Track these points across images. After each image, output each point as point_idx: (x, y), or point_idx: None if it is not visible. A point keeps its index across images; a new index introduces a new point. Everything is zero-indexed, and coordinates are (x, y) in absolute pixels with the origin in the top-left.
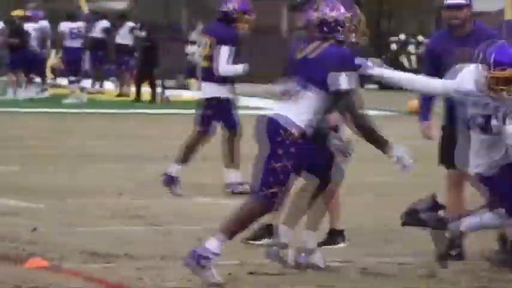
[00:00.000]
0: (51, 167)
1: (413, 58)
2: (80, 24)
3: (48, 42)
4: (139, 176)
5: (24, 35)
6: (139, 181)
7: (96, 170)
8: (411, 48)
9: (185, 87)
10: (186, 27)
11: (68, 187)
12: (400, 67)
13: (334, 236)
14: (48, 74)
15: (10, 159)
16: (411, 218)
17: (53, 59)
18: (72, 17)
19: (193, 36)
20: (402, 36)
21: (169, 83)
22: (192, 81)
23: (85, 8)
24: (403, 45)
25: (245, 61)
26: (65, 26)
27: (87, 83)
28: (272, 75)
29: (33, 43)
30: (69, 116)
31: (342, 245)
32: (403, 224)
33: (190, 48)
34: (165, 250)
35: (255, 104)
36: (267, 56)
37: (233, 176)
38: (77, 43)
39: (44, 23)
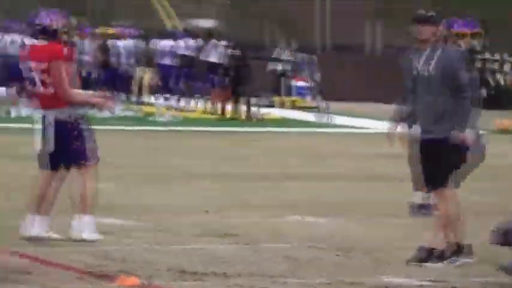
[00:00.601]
0: (143, 185)
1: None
2: (171, 42)
3: (136, 60)
4: (229, 195)
5: (109, 52)
6: (229, 200)
7: (187, 188)
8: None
9: (272, 105)
10: (270, 44)
11: (160, 205)
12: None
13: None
14: (144, 92)
15: (104, 177)
16: (499, 237)
17: (148, 76)
18: (164, 35)
19: (280, 54)
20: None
21: (258, 100)
22: (277, 99)
23: (169, 25)
24: (500, 64)
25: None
26: (158, 44)
27: (175, 100)
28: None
29: (123, 60)
30: (160, 133)
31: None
32: (492, 243)
33: (273, 66)
34: (254, 268)
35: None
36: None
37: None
38: (168, 60)
39: (132, 41)
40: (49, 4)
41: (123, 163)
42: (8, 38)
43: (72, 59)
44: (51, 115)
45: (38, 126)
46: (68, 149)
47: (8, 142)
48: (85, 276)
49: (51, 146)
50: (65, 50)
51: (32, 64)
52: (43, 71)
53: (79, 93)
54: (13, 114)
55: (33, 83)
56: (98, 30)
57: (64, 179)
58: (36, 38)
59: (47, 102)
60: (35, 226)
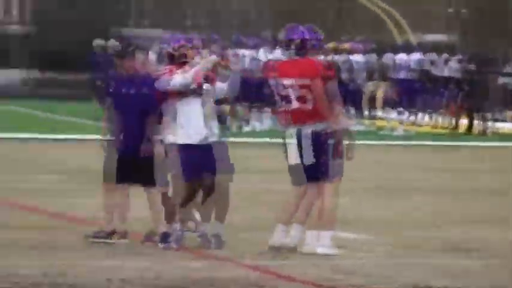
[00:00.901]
0: (375, 198)
1: None
2: (405, 55)
3: (368, 74)
4: (462, 210)
5: (340, 67)
6: (466, 214)
7: (417, 202)
8: None
9: (505, 119)
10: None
11: (393, 219)
12: None
13: None
14: (377, 106)
15: (339, 192)
16: None
17: (382, 90)
18: (396, 49)
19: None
20: None
21: (491, 115)
22: (510, 114)
23: (400, 39)
24: None
25: None
26: (392, 58)
27: (407, 114)
28: None
29: (354, 75)
30: (392, 147)
31: None
32: None
33: (504, 80)
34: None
35: None
36: None
37: None
38: (403, 74)
39: (362, 56)
40: (281, 18)
41: (356, 177)
42: (241, 52)
43: (332, 75)
44: (308, 129)
45: (292, 140)
46: (320, 162)
47: (242, 156)
48: None
49: (310, 159)
50: (324, 66)
51: (286, 81)
52: (302, 87)
53: (336, 109)
54: (245, 129)
55: (286, 99)
56: (330, 45)
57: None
58: (287, 54)
59: (303, 118)
60: (285, 236)
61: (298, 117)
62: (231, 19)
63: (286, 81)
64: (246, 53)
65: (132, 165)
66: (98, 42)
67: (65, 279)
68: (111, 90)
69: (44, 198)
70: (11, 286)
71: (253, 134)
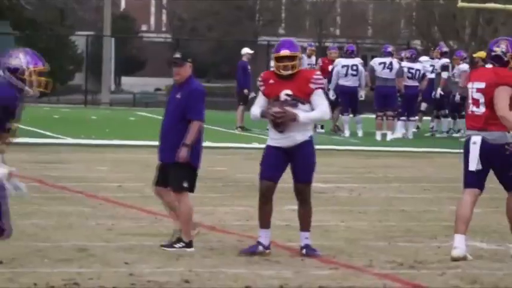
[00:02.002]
0: None
1: None
2: None
3: None
4: None
5: None
6: None
7: None
8: None
9: None
10: None
11: None
12: None
13: None
14: None
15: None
16: None
17: None
18: None
19: None
20: None
21: None
22: None
23: None
24: None
25: None
26: None
27: None
28: None
29: None
30: None
31: None
32: None
33: None
34: None
35: None
36: None
37: None
38: None
39: None
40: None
41: None
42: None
43: None
44: (494, 136)
45: (474, 145)
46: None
47: (379, 165)
48: None
49: (476, 165)
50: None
51: (477, 84)
52: (481, 91)
53: None
54: (389, 137)
55: (475, 104)
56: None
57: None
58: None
59: (487, 123)
60: (463, 246)
61: (483, 123)
62: None
63: (476, 85)
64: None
65: None
66: (246, 50)
67: (190, 285)
68: None
69: None
70: None
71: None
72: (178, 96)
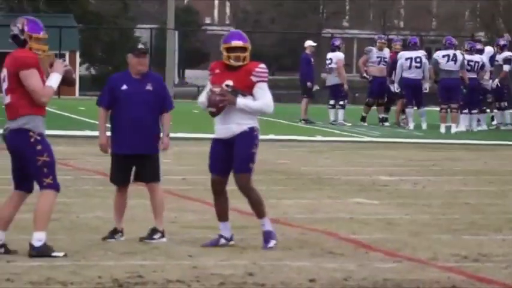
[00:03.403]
0: None
1: None
2: None
3: None
4: None
5: None
6: None
7: None
8: None
9: None
10: None
11: None
12: None
13: None
14: None
15: None
16: None
17: None
18: None
19: None
20: None
21: None
22: None
23: None
24: None
25: None
26: None
27: None
28: None
29: None
30: None
31: None
32: None
33: None
34: None
35: None
36: None
37: None
38: None
39: None
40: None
41: None
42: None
43: None
44: None
45: None
46: None
47: (443, 157)
48: None
49: None
50: None
51: None
52: None
53: None
54: (453, 130)
55: None
56: None
57: None
58: None
59: None
60: None
61: None
62: None
63: None
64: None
65: None
66: (309, 43)
67: (253, 278)
68: None
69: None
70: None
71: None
72: (149, 87)
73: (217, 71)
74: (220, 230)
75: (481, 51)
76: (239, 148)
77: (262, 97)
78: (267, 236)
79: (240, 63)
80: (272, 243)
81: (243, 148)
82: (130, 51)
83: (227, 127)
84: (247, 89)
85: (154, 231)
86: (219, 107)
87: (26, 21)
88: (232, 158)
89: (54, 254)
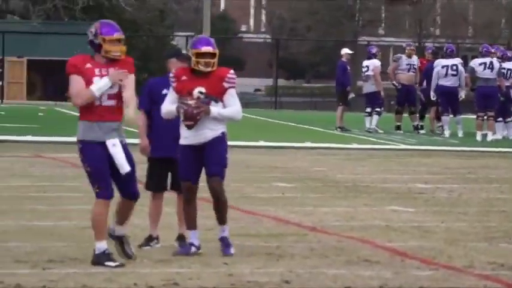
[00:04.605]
0: None
1: None
2: None
3: None
4: None
5: None
6: None
7: None
8: None
9: None
10: None
11: None
12: None
13: None
14: None
15: None
16: None
17: None
18: None
19: None
20: None
21: None
22: None
23: None
24: None
25: None
26: None
27: None
28: None
29: None
30: None
31: None
32: None
33: None
34: None
35: None
36: None
37: None
38: None
39: None
40: None
41: None
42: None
43: None
44: None
45: None
46: None
47: (479, 165)
48: None
49: None
50: None
51: None
52: None
53: None
54: (489, 138)
55: None
56: None
57: None
58: None
59: None
60: None
61: None
62: None
63: None
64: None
65: None
66: (345, 50)
67: (290, 286)
68: None
69: (275, 207)
70: None
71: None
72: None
73: (184, 77)
74: (191, 238)
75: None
76: (214, 152)
77: (234, 104)
78: (228, 242)
79: (209, 69)
80: (233, 249)
81: (218, 152)
82: (173, 55)
83: (200, 133)
84: (219, 95)
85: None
86: (196, 119)
87: (99, 24)
88: (202, 164)
89: (107, 263)
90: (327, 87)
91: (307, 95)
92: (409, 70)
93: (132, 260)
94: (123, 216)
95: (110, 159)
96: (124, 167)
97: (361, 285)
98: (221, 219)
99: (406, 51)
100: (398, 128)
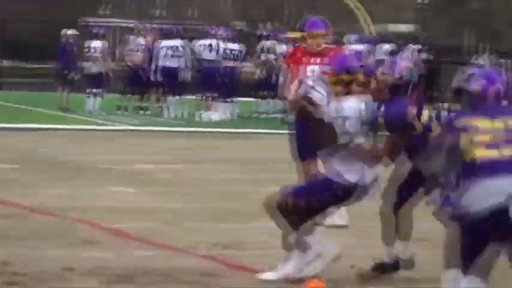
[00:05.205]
0: None
1: None
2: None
3: None
4: None
5: None
6: None
7: None
8: None
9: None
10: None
11: None
12: None
13: None
14: None
15: None
16: None
17: None
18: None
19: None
20: None
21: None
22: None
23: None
24: None
25: None
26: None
27: None
28: None
29: None
30: None
31: None
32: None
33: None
34: None
35: None
36: None
37: None
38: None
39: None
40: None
41: None
42: None
43: None
44: None
45: None
46: None
47: None
48: None
49: None
50: None
51: None
52: None
53: None
54: (213, 118)
55: None
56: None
57: None
58: None
59: None
60: None
61: None
62: None
63: None
64: None
65: None
66: (65, 31)
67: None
68: None
69: None
70: None
71: None
72: None
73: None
74: None
75: None
76: None
77: None
78: None
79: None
80: None
81: None
82: None
83: None
84: None
85: None
86: None
87: None
88: None
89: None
90: (50, 68)
91: (30, 76)
92: (137, 51)
93: None
94: None
95: None
96: None
97: (80, 265)
98: None
99: (140, 32)
100: (121, 108)
